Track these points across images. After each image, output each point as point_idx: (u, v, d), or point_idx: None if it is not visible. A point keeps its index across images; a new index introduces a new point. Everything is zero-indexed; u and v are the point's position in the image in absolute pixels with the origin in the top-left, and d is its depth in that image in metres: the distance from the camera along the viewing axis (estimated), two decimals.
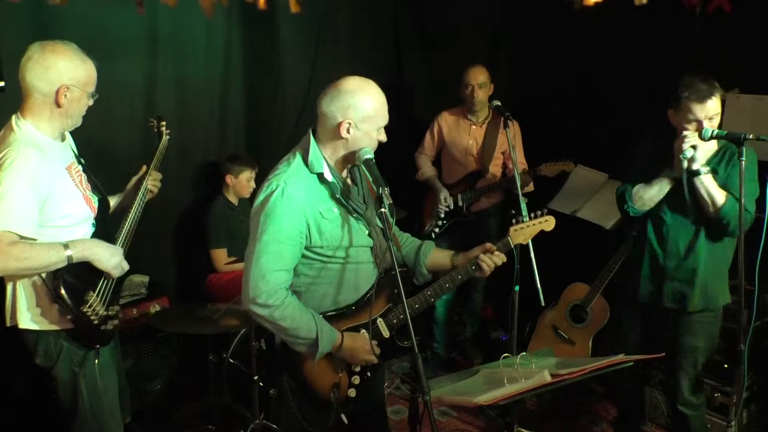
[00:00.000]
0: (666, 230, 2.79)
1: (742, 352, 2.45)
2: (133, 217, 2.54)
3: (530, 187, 3.97)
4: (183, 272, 3.94)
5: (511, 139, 3.13)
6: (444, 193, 4.10)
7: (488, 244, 2.39)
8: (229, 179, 3.79)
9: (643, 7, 2.60)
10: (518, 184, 2.94)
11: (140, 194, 2.59)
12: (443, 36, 4.71)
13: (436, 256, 2.47)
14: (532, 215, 2.47)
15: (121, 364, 2.68)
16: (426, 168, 4.25)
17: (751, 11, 3.48)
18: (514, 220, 2.46)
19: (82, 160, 2.46)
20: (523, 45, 4.83)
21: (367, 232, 2.26)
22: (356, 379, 2.31)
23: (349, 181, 2.27)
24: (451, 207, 4.10)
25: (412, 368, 1.97)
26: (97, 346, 2.36)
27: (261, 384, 3.17)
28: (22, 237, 2.12)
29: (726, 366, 3.36)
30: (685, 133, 2.60)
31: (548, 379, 2.02)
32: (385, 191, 2.07)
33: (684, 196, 2.65)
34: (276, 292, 2.10)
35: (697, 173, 2.59)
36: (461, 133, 4.14)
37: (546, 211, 2.48)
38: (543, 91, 4.65)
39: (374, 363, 2.28)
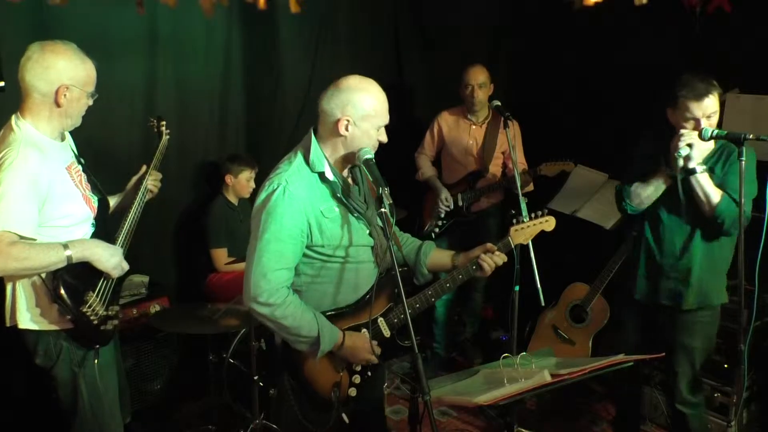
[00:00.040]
0: (662, 229, 2.80)
1: (742, 352, 2.44)
2: (133, 217, 2.54)
3: (530, 187, 3.97)
4: (183, 272, 3.94)
5: (511, 139, 3.13)
6: (444, 193, 4.10)
7: (489, 244, 2.40)
8: (229, 179, 3.79)
9: (643, 7, 2.60)
10: (518, 184, 2.94)
11: (140, 194, 2.59)
12: (443, 36, 4.71)
13: (437, 256, 2.48)
14: (533, 215, 2.48)
15: (121, 364, 2.68)
16: (426, 168, 4.25)
17: (751, 11, 3.48)
18: (514, 220, 2.47)
19: (82, 160, 2.46)
20: (523, 45, 4.82)
21: (367, 231, 2.26)
22: (357, 379, 2.32)
23: (350, 180, 2.27)
24: (452, 207, 4.10)
25: (412, 368, 1.97)
26: (97, 346, 2.36)
27: (261, 384, 3.17)
28: (21, 237, 2.12)
29: (726, 366, 3.36)
30: (681, 131, 2.61)
31: (548, 379, 2.02)
32: (385, 191, 2.07)
33: (688, 193, 2.65)
34: (277, 290, 2.10)
35: (693, 171, 2.60)
36: (461, 133, 4.14)
37: (546, 211, 2.49)
38: (543, 91, 4.65)
39: (375, 362, 2.27)
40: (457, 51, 4.57)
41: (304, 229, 2.13)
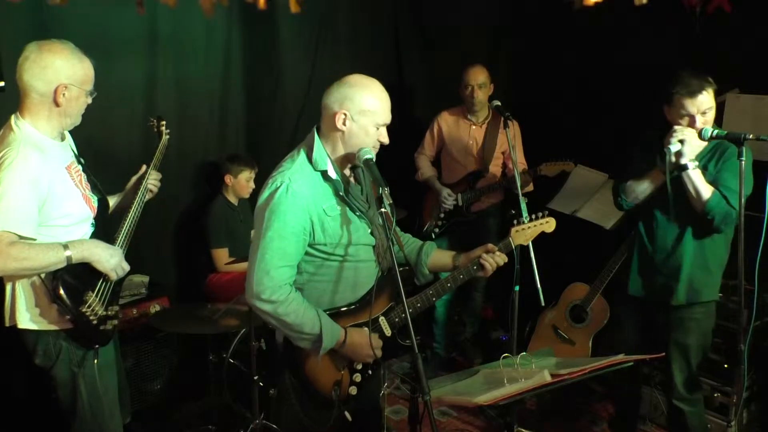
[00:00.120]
0: (656, 225, 2.83)
1: (742, 352, 2.45)
2: (133, 217, 2.54)
3: (530, 187, 3.97)
4: (183, 272, 3.94)
5: (511, 139, 3.13)
6: (446, 190, 4.11)
7: (490, 245, 2.41)
8: (229, 179, 3.79)
9: (643, 7, 2.60)
10: (518, 184, 2.95)
11: (140, 194, 2.59)
12: (443, 36, 4.72)
13: (438, 256, 2.49)
14: (533, 216, 2.49)
15: (120, 364, 2.68)
16: (425, 168, 4.25)
17: (751, 11, 3.48)
18: (515, 221, 2.48)
19: (82, 160, 2.46)
20: (523, 45, 4.82)
21: (369, 230, 2.27)
22: (357, 377, 2.32)
23: (352, 179, 2.28)
24: (455, 202, 4.10)
25: (412, 368, 1.97)
26: (96, 346, 2.36)
27: (261, 384, 3.16)
28: (21, 237, 2.12)
29: (726, 366, 3.36)
30: (674, 127, 2.64)
31: (548, 379, 2.02)
32: (386, 191, 2.07)
33: (676, 191, 2.67)
34: (280, 288, 2.11)
35: (684, 167, 2.61)
36: (461, 133, 4.14)
37: (547, 212, 2.50)
38: (543, 91, 4.65)
39: (377, 359, 2.28)
40: (457, 51, 4.57)
41: (306, 227, 2.13)
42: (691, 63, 2.76)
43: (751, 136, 2.38)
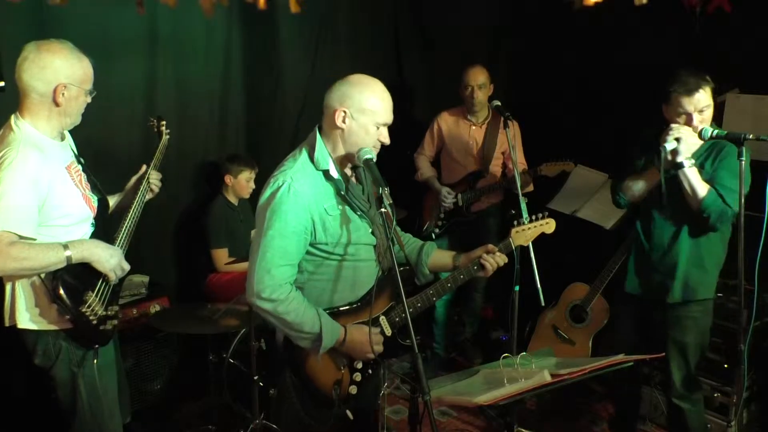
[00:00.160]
0: (653, 223, 2.85)
1: (742, 352, 2.45)
2: (133, 217, 2.53)
3: (530, 187, 3.97)
4: (183, 272, 3.94)
5: (511, 139, 3.13)
6: (445, 189, 4.11)
7: (490, 245, 2.42)
8: (228, 179, 3.79)
9: (643, 7, 2.60)
10: (518, 184, 2.95)
11: (140, 194, 2.59)
12: (443, 36, 4.72)
13: (438, 256, 2.50)
14: (533, 218, 2.50)
15: (120, 364, 2.68)
16: (425, 168, 4.25)
17: (751, 11, 3.48)
18: (515, 222, 2.49)
19: (82, 160, 2.46)
20: (523, 45, 4.83)
21: (370, 230, 2.28)
22: (358, 376, 2.33)
23: (353, 179, 2.28)
24: (455, 201, 4.10)
25: (412, 368, 1.97)
26: (96, 346, 2.36)
27: (261, 384, 3.16)
28: (21, 237, 2.11)
29: (726, 366, 3.36)
30: (671, 125, 2.65)
31: (548, 379, 2.02)
32: (385, 191, 2.08)
33: (672, 189, 2.68)
34: (280, 286, 2.11)
35: (681, 166, 2.62)
36: (461, 133, 4.14)
37: (546, 213, 2.51)
38: (543, 91, 4.65)
39: (378, 353, 2.28)
40: (457, 51, 4.57)
41: (308, 226, 2.14)
42: (691, 63, 2.76)
43: (751, 136, 2.38)
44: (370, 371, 2.35)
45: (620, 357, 2.18)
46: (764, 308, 3.23)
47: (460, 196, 4.11)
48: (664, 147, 2.61)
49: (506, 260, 2.43)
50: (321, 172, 2.19)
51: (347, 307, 2.28)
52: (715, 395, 3.36)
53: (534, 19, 4.65)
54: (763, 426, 3.44)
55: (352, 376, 2.32)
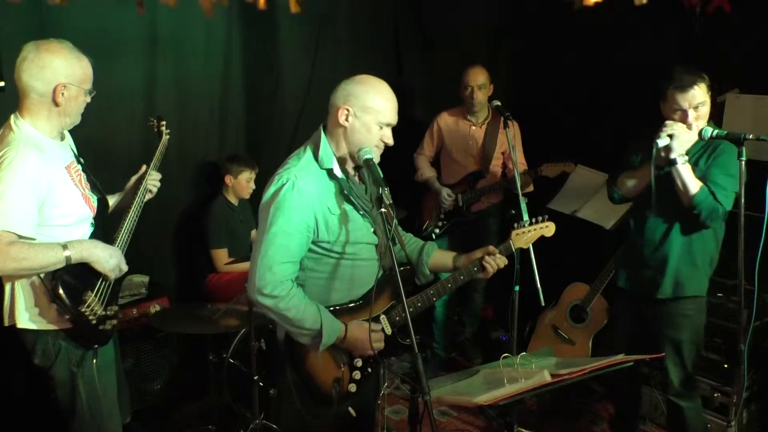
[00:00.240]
0: (646, 219, 2.85)
1: (742, 352, 2.45)
2: (133, 217, 2.53)
3: (530, 188, 3.96)
4: (183, 272, 3.94)
5: (511, 139, 3.13)
6: (446, 190, 4.11)
7: (491, 247, 2.43)
8: (229, 180, 3.79)
9: (643, 7, 2.60)
10: (518, 185, 2.95)
11: (139, 194, 2.59)
12: (443, 36, 4.71)
13: (439, 257, 2.51)
14: (533, 220, 2.51)
15: (120, 364, 2.68)
16: (425, 169, 4.25)
17: (751, 11, 3.48)
18: (515, 224, 2.51)
19: (82, 160, 2.45)
20: (523, 45, 4.82)
21: (372, 229, 2.29)
22: (357, 375, 2.34)
23: (356, 178, 2.29)
24: (457, 202, 4.10)
25: (412, 368, 1.97)
26: (96, 346, 2.36)
27: (261, 384, 3.16)
28: (20, 237, 2.12)
29: (726, 366, 3.36)
30: (666, 122, 2.66)
31: (548, 379, 2.02)
32: (385, 191, 2.10)
33: (665, 186, 2.69)
34: (282, 283, 2.13)
35: (674, 162, 2.63)
36: (461, 133, 4.14)
37: (547, 216, 2.53)
38: (543, 91, 4.64)
39: (376, 356, 2.29)
40: (457, 51, 4.57)
41: (310, 224, 2.15)
42: (691, 63, 2.76)
43: (751, 136, 2.38)
44: (369, 369, 2.36)
45: (620, 357, 2.18)
46: (764, 308, 3.23)
47: (460, 196, 4.11)
48: (656, 143, 2.62)
49: (506, 262, 2.44)
50: (325, 171, 2.20)
51: (351, 305, 2.29)
52: (715, 395, 3.36)
53: (534, 19, 4.65)
54: (763, 426, 3.44)
55: (351, 374, 2.33)
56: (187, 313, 3.25)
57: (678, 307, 2.85)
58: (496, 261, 2.40)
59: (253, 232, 3.97)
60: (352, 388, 2.33)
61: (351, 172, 2.27)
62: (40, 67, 2.20)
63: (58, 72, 2.22)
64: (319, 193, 2.17)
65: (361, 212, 2.25)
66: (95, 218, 2.40)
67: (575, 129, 4.38)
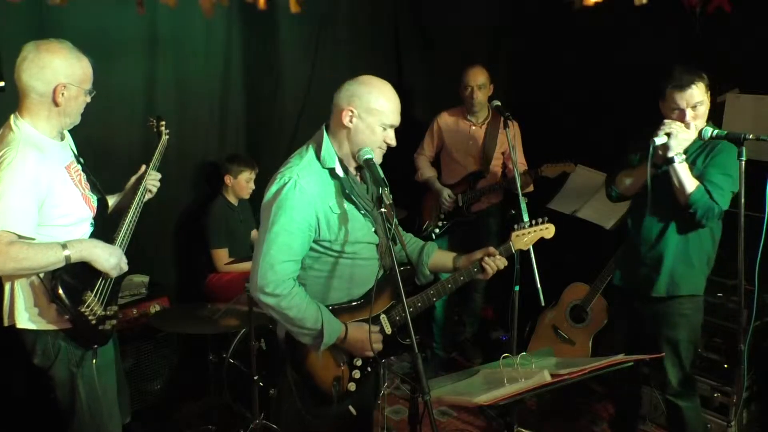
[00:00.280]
0: (643, 217, 2.85)
1: (742, 352, 2.45)
2: (132, 217, 2.53)
3: (530, 188, 3.96)
4: (183, 272, 3.94)
5: (511, 139, 3.14)
6: (447, 191, 4.11)
7: (491, 248, 2.44)
8: (228, 180, 3.78)
9: (643, 7, 2.60)
10: (518, 185, 2.95)
11: (139, 194, 2.59)
12: (443, 36, 4.71)
13: (439, 257, 2.52)
14: (533, 222, 2.52)
15: (119, 364, 2.68)
16: (425, 169, 4.25)
17: (751, 11, 3.48)
18: (515, 225, 2.51)
19: (81, 160, 2.46)
20: (523, 45, 4.82)
21: (373, 229, 2.29)
22: (357, 374, 2.35)
23: (357, 178, 2.29)
24: (457, 202, 4.10)
25: (412, 368, 1.98)
26: (95, 346, 2.36)
27: (261, 384, 3.17)
28: (20, 237, 2.12)
29: (726, 366, 3.36)
30: (664, 120, 2.67)
31: (548, 379, 2.02)
32: (385, 191, 2.11)
33: (663, 184, 2.69)
34: (284, 282, 2.13)
35: (671, 161, 2.64)
36: (461, 133, 4.14)
37: (546, 219, 2.53)
38: (543, 91, 4.64)
39: (378, 352, 2.29)
40: (457, 51, 4.56)
41: (312, 223, 2.16)
42: (691, 63, 2.77)
43: (751, 136, 2.38)
44: (369, 369, 2.37)
45: (620, 357, 2.18)
46: (764, 308, 3.23)
47: (460, 196, 4.11)
48: (653, 141, 2.63)
49: (506, 263, 2.45)
50: (327, 170, 2.21)
51: (352, 304, 2.30)
52: (715, 395, 3.36)
53: (534, 19, 4.65)
54: (763, 426, 3.43)
55: (351, 374, 2.34)
56: (187, 313, 3.25)
57: (675, 307, 2.85)
58: (495, 262, 2.40)
59: (254, 232, 3.97)
60: (352, 387, 2.34)
61: (353, 171, 2.27)
62: (40, 67, 2.20)
63: (58, 72, 2.22)
64: (321, 192, 2.17)
65: (362, 212, 2.25)
66: (95, 218, 2.40)
67: (575, 129, 4.38)
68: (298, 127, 4.18)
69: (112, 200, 2.65)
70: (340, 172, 2.21)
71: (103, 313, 2.36)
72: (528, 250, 2.61)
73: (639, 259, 2.89)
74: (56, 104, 2.25)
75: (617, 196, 2.98)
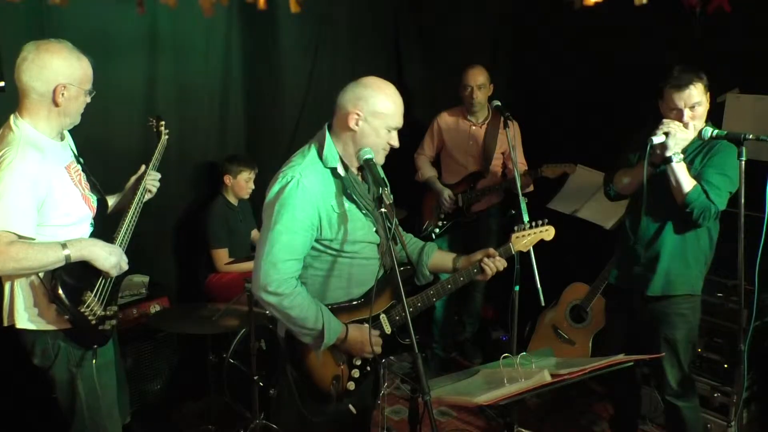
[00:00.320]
0: (640, 217, 2.84)
1: (742, 352, 2.45)
2: (132, 217, 2.53)
3: (530, 188, 3.96)
4: (183, 272, 3.94)
5: (511, 139, 3.14)
6: (447, 191, 4.11)
7: (491, 249, 2.45)
8: (228, 179, 3.78)
9: (643, 7, 2.60)
10: (518, 185, 2.95)
11: (138, 194, 2.59)
12: (443, 36, 4.71)
13: (438, 258, 2.52)
14: (533, 224, 2.52)
15: (119, 364, 2.68)
16: (425, 169, 4.25)
17: (751, 11, 3.48)
18: (516, 227, 2.51)
19: (81, 160, 2.46)
20: (523, 45, 4.82)
21: (374, 229, 2.30)
22: (356, 373, 2.35)
23: (359, 178, 2.30)
24: (457, 202, 4.10)
25: (412, 368, 1.98)
26: (95, 346, 2.36)
27: (261, 384, 3.17)
28: (20, 237, 2.12)
29: (726, 366, 3.36)
30: (663, 120, 2.68)
31: (548, 379, 2.02)
32: (385, 191, 2.12)
33: (660, 184, 2.70)
34: (286, 281, 2.14)
35: (669, 160, 2.64)
36: (461, 133, 4.14)
37: (546, 220, 2.54)
38: (543, 91, 4.64)
39: (377, 354, 2.30)
40: (457, 51, 4.57)
41: (314, 222, 2.17)
42: (691, 63, 2.77)
43: (751, 136, 2.38)
44: (368, 368, 2.37)
45: (620, 357, 2.18)
46: (764, 308, 3.23)
47: (460, 196, 4.11)
48: (651, 140, 2.63)
49: (505, 265, 2.46)
50: (329, 170, 2.22)
51: (353, 303, 2.31)
52: (715, 395, 3.36)
53: (534, 19, 4.64)
54: (763, 426, 3.44)
55: (350, 373, 2.34)
56: (187, 313, 3.25)
57: (672, 306, 2.85)
58: (495, 264, 2.41)
59: (254, 232, 3.97)
60: (351, 386, 2.34)
61: (354, 171, 2.28)
62: (40, 67, 2.20)
63: (58, 72, 2.22)
64: (323, 191, 2.19)
65: (363, 211, 2.26)
66: (95, 218, 2.40)
67: (575, 129, 4.38)
68: (298, 127, 4.18)
69: (111, 200, 2.65)
70: (341, 171, 2.22)
71: (103, 313, 2.36)
72: (528, 251, 2.61)
73: (635, 258, 2.89)
74: (56, 104, 2.25)
75: (615, 195, 2.99)
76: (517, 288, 2.84)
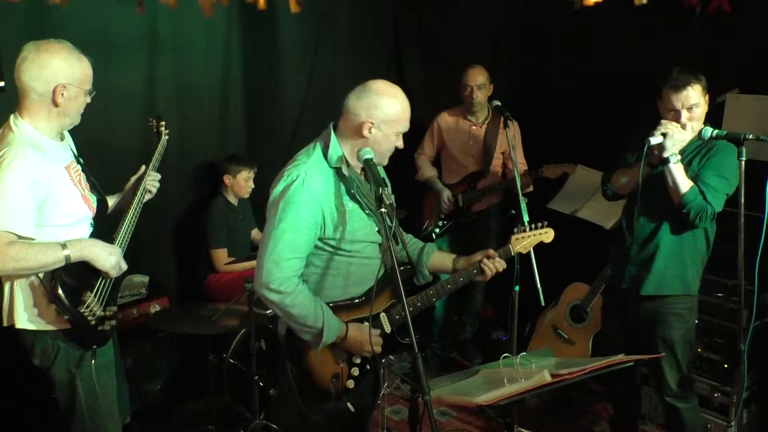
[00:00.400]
0: (636, 216, 2.86)
1: (742, 352, 2.45)
2: (132, 217, 2.53)
3: (530, 188, 3.96)
4: (183, 272, 3.94)
5: (511, 139, 3.14)
6: (447, 193, 4.11)
7: (491, 251, 2.46)
8: (227, 179, 3.78)
9: (643, 7, 2.60)
10: (518, 185, 2.95)
11: (138, 194, 2.59)
12: (443, 36, 4.71)
13: (438, 258, 2.53)
14: (533, 226, 2.53)
15: (119, 364, 2.68)
16: (426, 168, 4.25)
17: (751, 11, 3.48)
18: (515, 229, 2.52)
19: (81, 160, 2.45)
20: (523, 45, 4.82)
21: (377, 228, 2.31)
22: (356, 371, 2.36)
23: (363, 178, 2.31)
24: (457, 202, 4.10)
25: (412, 368, 1.98)
26: (95, 346, 2.36)
27: (261, 384, 3.17)
28: (20, 237, 2.11)
29: (726, 366, 3.36)
30: (661, 121, 2.68)
31: (548, 379, 2.02)
32: (386, 191, 2.13)
33: (657, 184, 2.70)
34: (289, 279, 2.15)
35: (666, 161, 2.64)
36: (461, 133, 4.14)
37: (546, 223, 2.54)
38: (543, 91, 4.64)
39: (377, 353, 2.31)
40: (457, 51, 4.57)
41: (318, 221, 2.18)
42: (691, 63, 2.77)
43: (751, 136, 2.38)
44: (368, 367, 2.38)
45: (620, 357, 2.19)
46: (764, 308, 3.23)
47: (460, 196, 4.11)
48: (648, 140, 2.63)
49: (505, 266, 2.47)
50: (333, 169, 2.23)
51: (355, 301, 2.32)
52: (715, 395, 3.36)
53: (534, 19, 4.64)
54: (763, 426, 3.44)
55: (350, 371, 2.35)
56: (187, 313, 3.25)
57: (667, 306, 2.85)
58: (495, 265, 2.42)
59: (254, 232, 3.97)
60: (350, 384, 2.35)
61: (358, 171, 2.30)
62: (40, 67, 2.20)
63: (57, 72, 2.22)
64: (327, 190, 2.20)
65: (366, 211, 2.28)
66: (94, 218, 2.40)
67: (575, 129, 4.38)
68: (298, 127, 4.17)
69: (111, 200, 2.65)
70: (346, 171, 2.23)
71: (103, 313, 2.36)
72: (528, 251, 2.61)
73: (630, 257, 2.89)
74: (56, 104, 2.25)
75: (612, 195, 2.99)
76: (517, 288, 2.84)
